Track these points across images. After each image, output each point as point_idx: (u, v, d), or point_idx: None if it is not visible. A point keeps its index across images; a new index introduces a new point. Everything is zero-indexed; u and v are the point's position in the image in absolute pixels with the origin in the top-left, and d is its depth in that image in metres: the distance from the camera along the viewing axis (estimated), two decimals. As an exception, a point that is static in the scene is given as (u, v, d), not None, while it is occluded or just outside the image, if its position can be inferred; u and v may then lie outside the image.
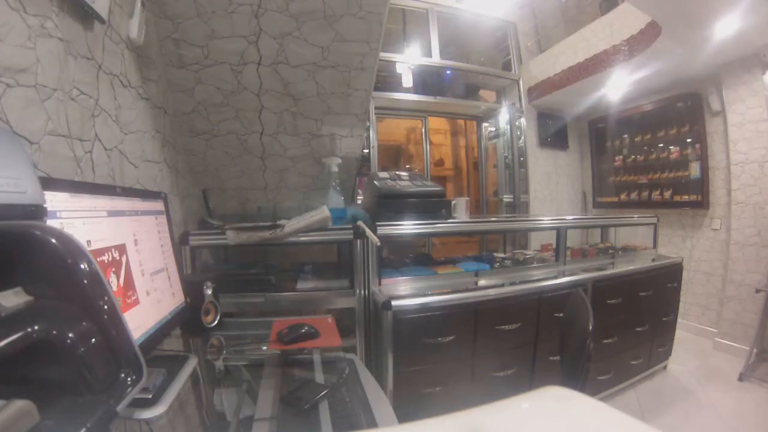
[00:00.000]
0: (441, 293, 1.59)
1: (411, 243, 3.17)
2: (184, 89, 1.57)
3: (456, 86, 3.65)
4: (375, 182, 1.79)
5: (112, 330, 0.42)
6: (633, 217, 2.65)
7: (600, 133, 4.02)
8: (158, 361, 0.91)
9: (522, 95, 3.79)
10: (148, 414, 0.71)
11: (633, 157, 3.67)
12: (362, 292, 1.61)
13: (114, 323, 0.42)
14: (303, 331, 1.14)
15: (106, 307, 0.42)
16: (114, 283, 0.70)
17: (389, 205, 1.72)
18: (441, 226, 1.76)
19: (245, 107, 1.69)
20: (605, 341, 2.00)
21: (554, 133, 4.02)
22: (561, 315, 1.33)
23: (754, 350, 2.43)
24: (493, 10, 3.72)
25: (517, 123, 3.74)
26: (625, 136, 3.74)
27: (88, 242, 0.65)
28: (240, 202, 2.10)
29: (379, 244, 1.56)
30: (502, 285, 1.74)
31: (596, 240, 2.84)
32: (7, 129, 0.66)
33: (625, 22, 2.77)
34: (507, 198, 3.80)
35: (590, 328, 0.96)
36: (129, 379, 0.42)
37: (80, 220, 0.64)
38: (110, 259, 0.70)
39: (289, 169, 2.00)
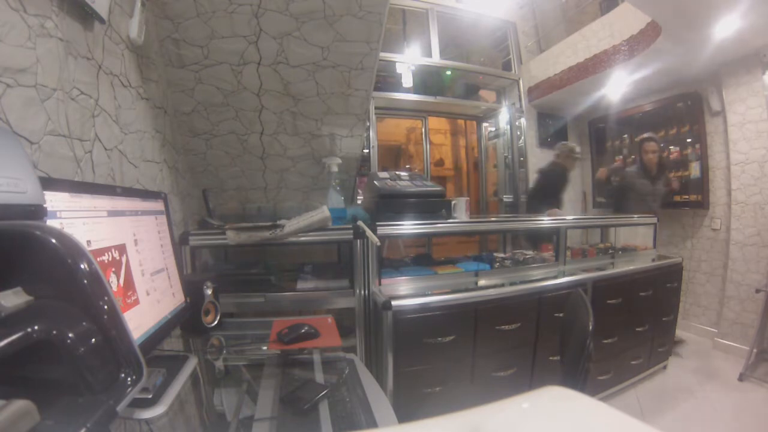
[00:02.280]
0: (441, 293, 1.59)
1: (409, 243, 3.17)
2: (184, 89, 1.57)
3: (456, 86, 3.66)
4: (375, 182, 1.79)
5: (112, 330, 0.42)
6: (633, 217, 2.65)
7: (600, 133, 4.02)
8: (158, 361, 0.91)
9: (522, 95, 3.80)
10: (148, 414, 0.71)
11: (633, 156, 3.66)
12: (362, 292, 1.61)
13: (114, 323, 0.42)
14: (303, 331, 1.14)
15: (106, 307, 0.42)
16: (114, 283, 0.70)
17: (389, 205, 1.72)
18: (441, 226, 1.76)
19: (245, 107, 1.69)
20: (605, 341, 2.00)
21: (554, 133, 4.02)
22: (561, 315, 1.33)
23: (754, 350, 2.43)
24: (493, 10, 3.73)
25: (517, 123, 3.74)
26: (625, 136, 3.73)
27: (88, 242, 0.65)
28: (240, 202, 2.10)
29: (378, 244, 1.56)
30: (502, 285, 1.74)
31: (596, 240, 2.83)
32: (7, 129, 0.66)
33: (625, 22, 2.77)
34: (507, 198, 3.80)
35: (590, 328, 0.96)
36: (129, 379, 0.42)
37: (80, 220, 0.64)
38: (110, 259, 0.70)
39: (289, 169, 2.00)
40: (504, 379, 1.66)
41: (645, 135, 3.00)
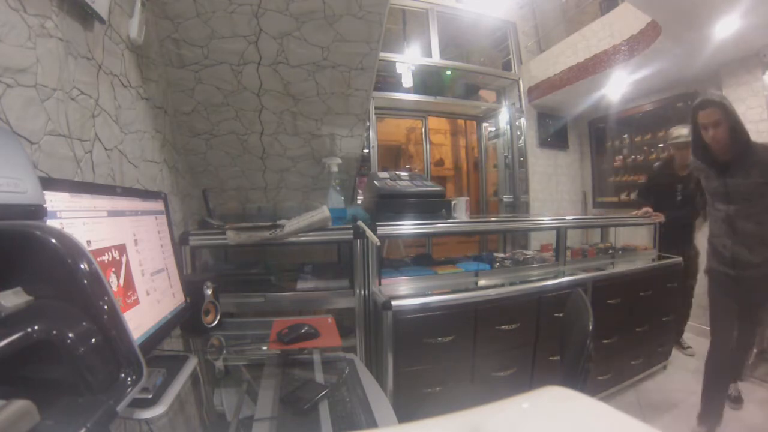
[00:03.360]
0: (441, 293, 1.59)
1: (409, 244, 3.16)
2: (184, 89, 1.57)
3: (456, 86, 3.66)
4: (375, 182, 1.79)
5: (112, 330, 0.42)
6: (633, 217, 2.64)
7: (600, 133, 4.02)
8: (158, 361, 0.91)
9: (522, 95, 3.79)
10: (148, 414, 0.71)
11: (633, 156, 3.67)
12: (362, 292, 1.61)
13: (114, 323, 0.42)
14: (303, 331, 1.14)
15: (106, 307, 0.42)
16: (114, 283, 0.70)
17: (389, 205, 1.72)
18: (441, 226, 1.76)
19: (245, 107, 1.69)
20: (605, 341, 2.00)
21: (554, 133, 4.02)
22: (561, 315, 1.33)
23: (754, 350, 2.43)
24: (493, 10, 3.73)
25: (517, 123, 3.74)
26: (625, 136, 3.74)
27: (88, 242, 0.65)
28: (240, 202, 2.10)
29: (378, 244, 1.55)
30: (502, 285, 1.74)
31: (596, 240, 2.83)
32: (7, 129, 0.66)
33: (625, 22, 2.77)
34: (507, 198, 3.80)
35: (590, 328, 0.96)
36: (129, 379, 0.42)
37: (80, 220, 0.64)
38: (110, 259, 0.70)
39: (289, 169, 2.00)
40: (504, 379, 1.66)
41: (699, 99, 1.67)
